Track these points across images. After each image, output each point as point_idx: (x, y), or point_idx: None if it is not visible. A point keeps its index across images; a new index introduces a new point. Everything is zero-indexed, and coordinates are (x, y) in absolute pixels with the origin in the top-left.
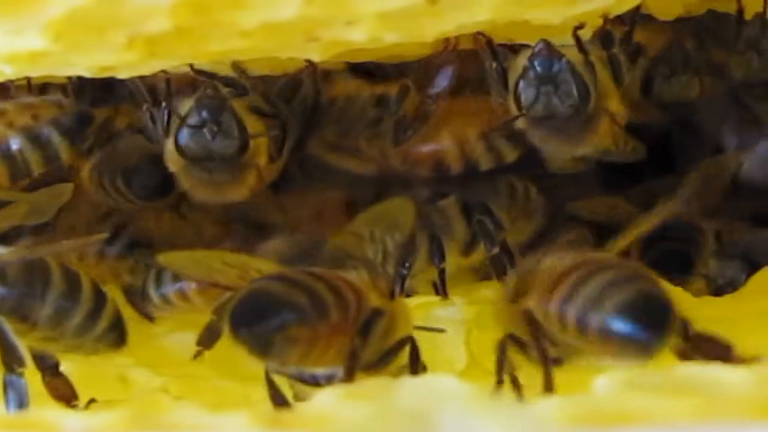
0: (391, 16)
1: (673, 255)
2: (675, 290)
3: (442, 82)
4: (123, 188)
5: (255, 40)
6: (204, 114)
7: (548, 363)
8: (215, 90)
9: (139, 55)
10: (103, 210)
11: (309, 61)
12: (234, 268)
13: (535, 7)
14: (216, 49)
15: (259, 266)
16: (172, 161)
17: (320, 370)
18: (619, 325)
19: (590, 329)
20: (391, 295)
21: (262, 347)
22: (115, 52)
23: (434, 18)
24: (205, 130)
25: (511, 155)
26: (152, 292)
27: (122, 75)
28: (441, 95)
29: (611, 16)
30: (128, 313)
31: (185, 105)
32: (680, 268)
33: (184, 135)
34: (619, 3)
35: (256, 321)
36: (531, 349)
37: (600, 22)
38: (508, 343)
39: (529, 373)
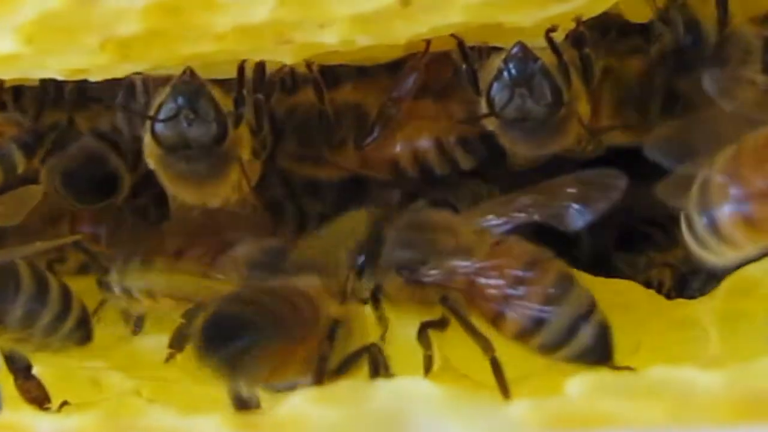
0: (363, 18)
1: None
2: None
3: (406, 86)
4: (62, 190)
5: (227, 43)
6: (180, 100)
7: (479, 336)
8: (192, 75)
9: (111, 57)
10: (56, 213)
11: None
12: (190, 286)
13: (507, 9)
14: (188, 51)
15: (213, 285)
16: (151, 155)
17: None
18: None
19: None
20: (345, 301)
21: (230, 370)
22: (88, 54)
23: (407, 20)
24: (181, 116)
25: (465, 162)
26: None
27: (95, 78)
28: (404, 99)
29: (584, 19)
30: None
31: (161, 93)
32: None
33: (160, 122)
34: (591, 5)
35: (221, 346)
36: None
37: (572, 24)
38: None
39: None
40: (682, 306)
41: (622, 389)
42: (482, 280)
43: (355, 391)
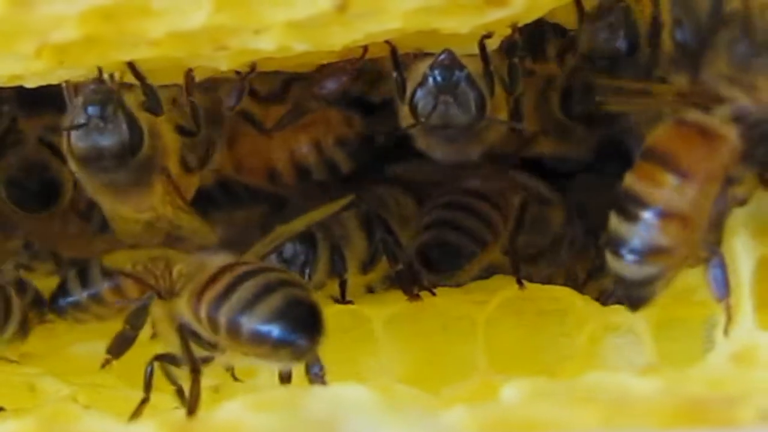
0: (299, 25)
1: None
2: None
3: (330, 86)
4: (5, 198)
5: (163, 49)
6: (90, 110)
7: (197, 376)
8: (100, 83)
9: (47, 63)
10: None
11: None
12: (160, 261)
13: (443, 16)
14: (125, 57)
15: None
16: (72, 164)
17: None
18: (273, 330)
19: (243, 333)
20: None
21: None
22: (24, 60)
23: (343, 27)
24: (91, 126)
25: (345, 165)
26: (78, 295)
27: (30, 84)
28: (325, 97)
29: (519, 25)
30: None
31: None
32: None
33: (73, 134)
34: (527, 12)
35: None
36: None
37: (508, 31)
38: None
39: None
40: (618, 312)
41: (557, 395)
42: None
43: (290, 397)
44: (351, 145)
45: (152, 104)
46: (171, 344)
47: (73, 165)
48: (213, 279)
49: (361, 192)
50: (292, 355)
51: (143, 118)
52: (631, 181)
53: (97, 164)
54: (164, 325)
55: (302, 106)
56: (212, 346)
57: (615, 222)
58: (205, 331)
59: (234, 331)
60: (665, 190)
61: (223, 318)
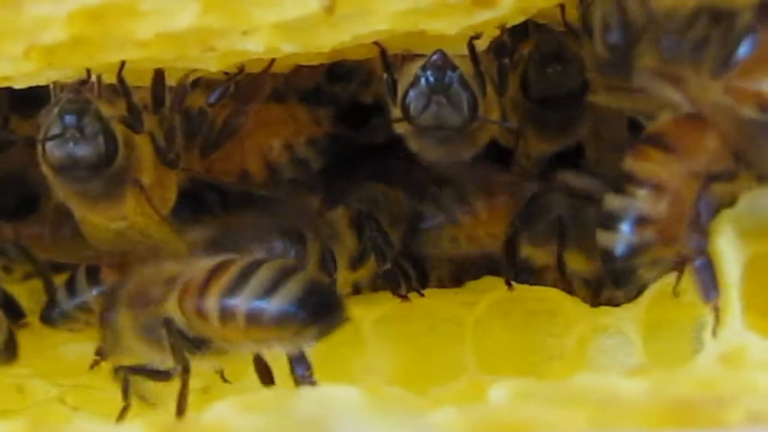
0: (287, 26)
1: None
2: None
3: (255, 98)
4: None
5: (151, 50)
6: (66, 119)
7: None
8: (77, 93)
9: (36, 65)
10: None
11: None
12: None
13: (431, 17)
14: (113, 59)
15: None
16: (45, 170)
17: None
18: (300, 311)
19: (266, 317)
20: None
21: None
22: (12, 62)
23: (331, 28)
24: (67, 135)
25: (317, 163)
26: (67, 305)
27: (19, 85)
28: (250, 109)
29: (508, 26)
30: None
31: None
32: None
33: (48, 143)
34: (515, 13)
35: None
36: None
37: (497, 32)
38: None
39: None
40: (606, 313)
41: (546, 396)
42: None
43: (279, 398)
44: (321, 144)
45: (134, 121)
46: (136, 354)
47: (46, 171)
48: (215, 273)
49: (352, 189)
50: (319, 334)
51: (119, 129)
52: (628, 161)
53: (70, 173)
54: (130, 335)
55: (231, 125)
56: (196, 346)
57: (610, 200)
58: (202, 328)
59: (256, 316)
60: (657, 167)
61: (242, 305)
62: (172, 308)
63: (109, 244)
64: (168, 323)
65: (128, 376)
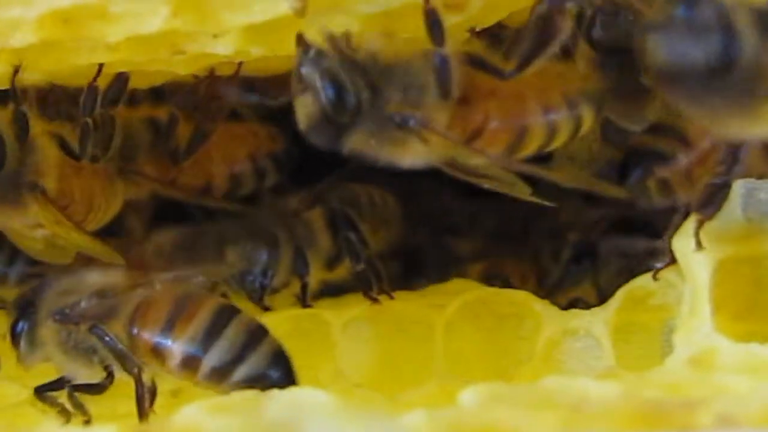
0: (257, 29)
1: None
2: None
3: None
4: None
5: (122, 54)
6: None
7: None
8: None
9: (5, 68)
10: None
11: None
12: None
13: (402, 19)
14: (83, 62)
15: None
16: None
17: None
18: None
19: (233, 378)
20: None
21: None
22: None
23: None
24: None
25: (273, 177)
26: None
27: None
28: (220, 118)
29: (478, 29)
30: None
31: None
32: None
33: None
34: (484, 16)
35: None
36: None
37: (467, 35)
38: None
39: None
40: (576, 316)
41: (516, 399)
42: None
43: (250, 401)
44: (280, 159)
45: (20, 129)
46: (64, 367)
47: None
48: (181, 311)
49: (331, 189)
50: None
51: (11, 131)
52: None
53: None
54: (56, 349)
55: (199, 134)
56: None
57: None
58: (148, 360)
59: (223, 375)
60: None
61: (210, 361)
62: (115, 329)
63: (45, 254)
64: (104, 336)
65: (51, 397)
